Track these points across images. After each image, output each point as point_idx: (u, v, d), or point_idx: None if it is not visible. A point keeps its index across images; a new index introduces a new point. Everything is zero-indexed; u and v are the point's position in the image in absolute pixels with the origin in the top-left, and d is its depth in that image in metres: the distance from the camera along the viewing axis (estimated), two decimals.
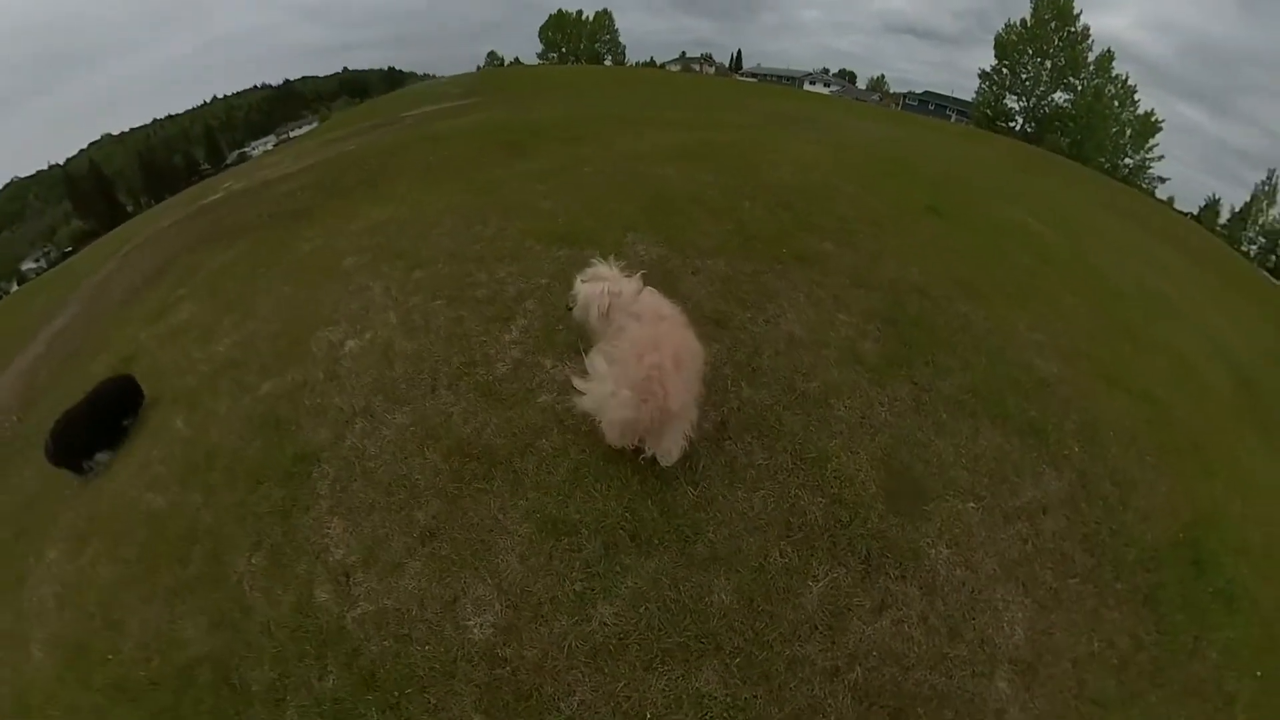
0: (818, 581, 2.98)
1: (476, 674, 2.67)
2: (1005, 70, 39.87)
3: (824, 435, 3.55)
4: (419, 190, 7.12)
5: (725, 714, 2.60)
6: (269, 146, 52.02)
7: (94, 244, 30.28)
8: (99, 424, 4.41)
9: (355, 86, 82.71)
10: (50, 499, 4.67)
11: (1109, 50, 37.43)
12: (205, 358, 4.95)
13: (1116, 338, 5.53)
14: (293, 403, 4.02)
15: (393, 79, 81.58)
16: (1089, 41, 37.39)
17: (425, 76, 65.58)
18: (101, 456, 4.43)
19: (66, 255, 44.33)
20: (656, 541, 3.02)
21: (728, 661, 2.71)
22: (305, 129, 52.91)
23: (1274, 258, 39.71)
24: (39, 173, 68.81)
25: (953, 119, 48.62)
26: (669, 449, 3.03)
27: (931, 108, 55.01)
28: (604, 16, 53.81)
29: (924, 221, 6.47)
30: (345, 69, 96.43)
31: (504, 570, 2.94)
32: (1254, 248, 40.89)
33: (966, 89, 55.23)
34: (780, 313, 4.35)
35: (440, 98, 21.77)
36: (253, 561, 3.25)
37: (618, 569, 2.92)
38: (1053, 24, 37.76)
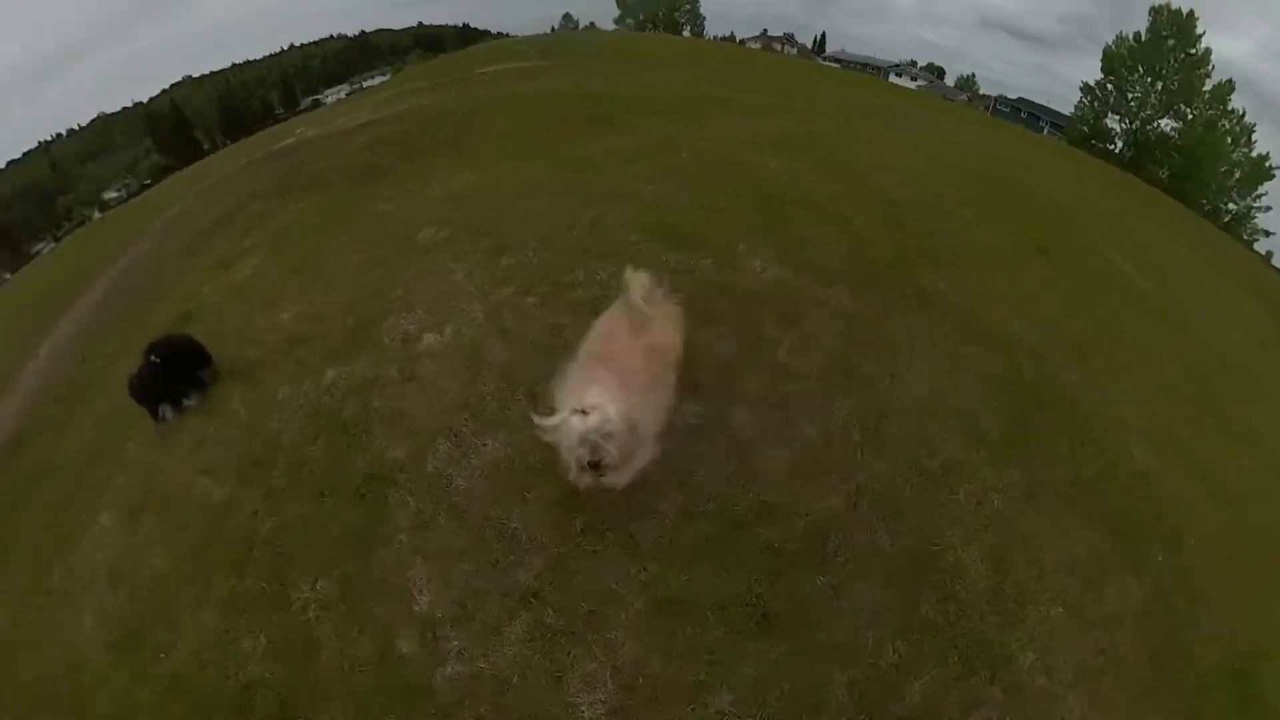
0: (920, 679, 2.78)
1: None
2: (1110, 87, 36.36)
3: (944, 522, 3.16)
4: (501, 158, 6.52)
5: None
6: (342, 96, 52.61)
7: (171, 178, 31.55)
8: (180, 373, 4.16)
9: (429, 41, 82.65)
10: (110, 454, 4.41)
11: (1229, 81, 33.56)
12: (268, 326, 4.50)
13: (1210, 423, 4.87)
14: (362, 402, 3.51)
15: (467, 36, 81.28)
16: (1208, 67, 33.61)
17: (500, 35, 64.86)
18: (188, 401, 4.17)
19: (145, 187, 46.32)
20: (781, 630, 2.72)
21: None
22: (378, 80, 53.23)
23: None
24: (124, 109, 71.82)
25: (1045, 131, 45.34)
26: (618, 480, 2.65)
27: (1024, 116, 51.17)
28: None
29: (1033, 262, 5.72)
30: (420, 23, 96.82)
31: (618, 647, 2.57)
32: None
33: (1062, 100, 51.40)
34: (905, 368, 3.78)
35: (517, 56, 20.93)
36: (319, 588, 2.89)
37: (739, 655, 2.62)
38: (1170, 42, 34.06)
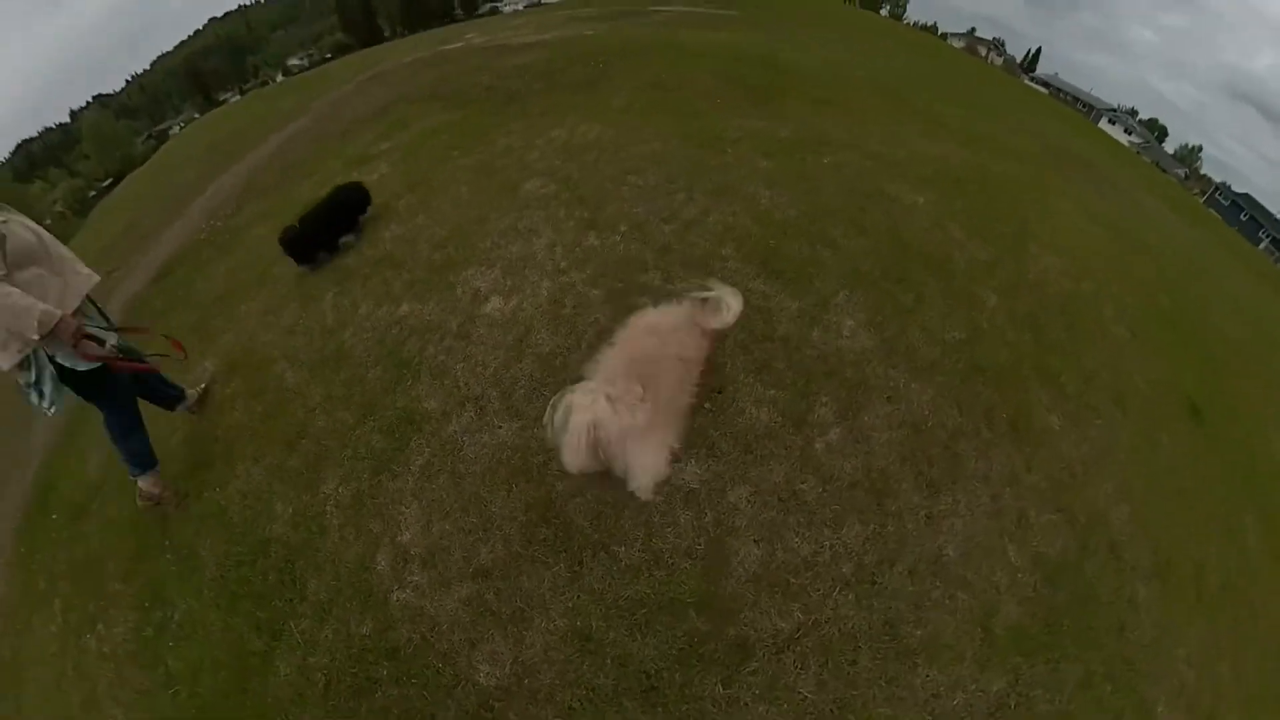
0: None
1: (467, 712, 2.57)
2: None
3: (882, 702, 2.50)
4: (637, 113, 6.20)
5: None
6: (519, 6, 53.26)
7: (349, 56, 34.05)
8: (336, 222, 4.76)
9: None
10: (228, 307, 4.96)
11: None
12: (372, 239, 4.65)
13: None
14: (420, 343, 3.58)
15: None
16: None
17: None
18: (347, 238, 4.77)
19: (326, 60, 49.99)
20: (661, 710, 2.52)
21: None
22: None
23: None
24: None
25: (1263, 244, 37.14)
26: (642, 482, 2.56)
27: (1245, 217, 41.48)
28: None
29: (1177, 424, 4.41)
30: None
31: (525, 644, 2.64)
32: None
33: None
34: (949, 514, 2.95)
35: (693, 1, 20.07)
36: (339, 490, 3.21)
37: (617, 710, 2.50)
38: None
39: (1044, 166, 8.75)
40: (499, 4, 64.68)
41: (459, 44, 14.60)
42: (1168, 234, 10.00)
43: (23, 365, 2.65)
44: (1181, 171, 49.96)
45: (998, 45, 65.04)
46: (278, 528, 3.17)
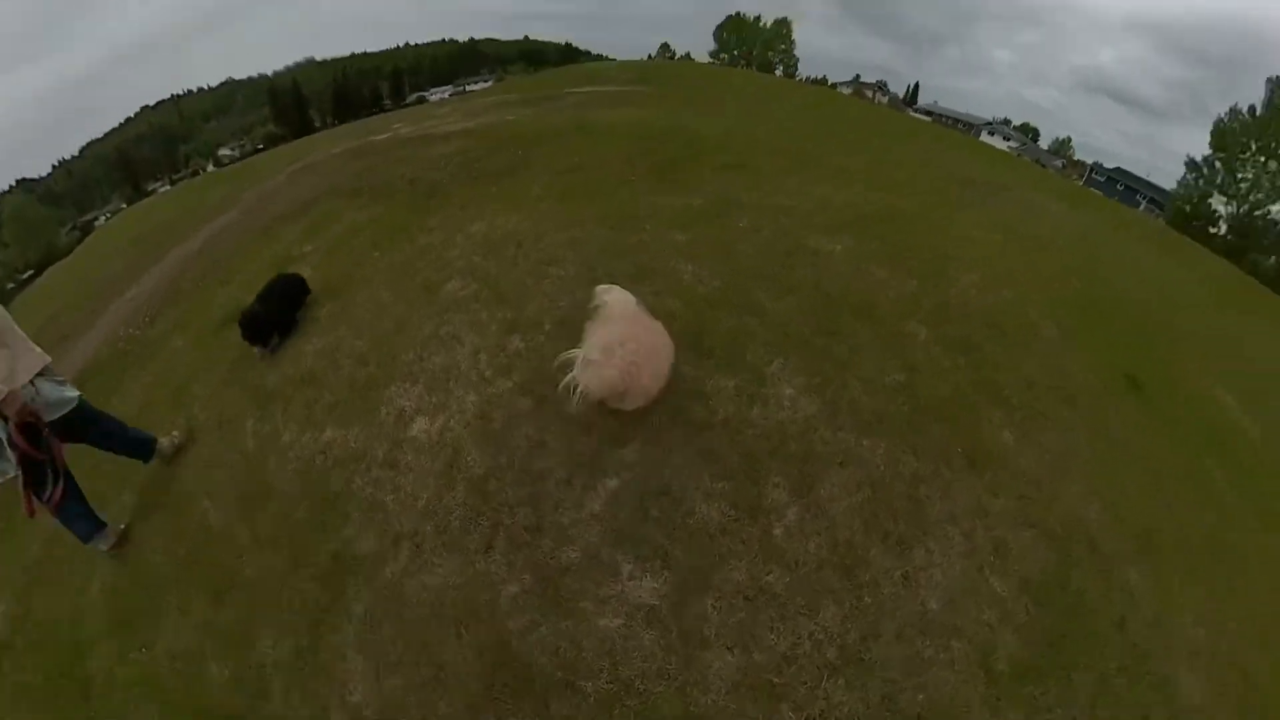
0: None
1: None
2: (1219, 165, 33.06)
3: None
4: (553, 198, 6.31)
5: None
6: (445, 95, 55.10)
7: (280, 148, 34.21)
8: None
9: (533, 55, 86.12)
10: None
11: None
12: (293, 354, 4.46)
13: None
14: (347, 475, 3.37)
15: (568, 53, 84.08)
16: None
17: (599, 57, 66.52)
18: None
19: (258, 150, 49.87)
20: None
21: None
22: (480, 86, 55.54)
23: None
24: (250, 78, 78.26)
25: (1142, 206, 41.93)
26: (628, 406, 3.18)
27: (1120, 188, 47.37)
28: (782, 24, 51.29)
29: (1122, 402, 4.60)
30: (526, 37, 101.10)
31: None
32: None
33: (1163, 172, 46.96)
34: (925, 567, 2.87)
35: (608, 80, 21.31)
36: (276, 647, 2.94)
37: None
38: None
39: (944, 189, 9.50)
40: (426, 94, 66.83)
41: (386, 135, 14.84)
42: (1060, 223, 10.71)
43: None
44: (1059, 162, 55.67)
45: (881, 86, 71.80)
46: (216, 694, 2.89)
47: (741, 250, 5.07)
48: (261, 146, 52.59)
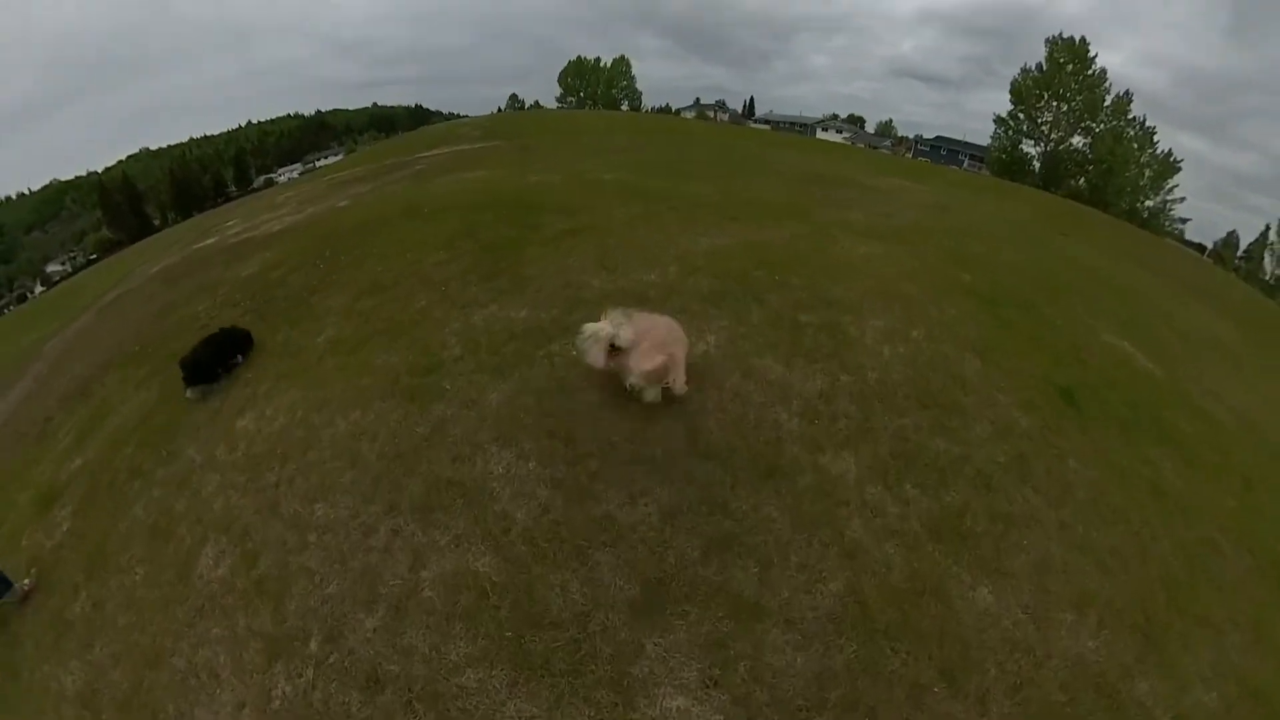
0: None
1: None
2: (1021, 115, 37.31)
3: None
4: (338, 352, 4.78)
5: None
6: (295, 175, 50.91)
7: (110, 259, 29.77)
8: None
9: (383, 121, 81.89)
10: None
11: (1128, 92, 34.59)
12: (52, 672, 2.84)
13: None
14: None
15: (419, 116, 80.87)
16: (1106, 85, 34.70)
17: (451, 115, 64.58)
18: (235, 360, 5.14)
19: (91, 262, 42.87)
20: None
21: None
22: (331, 159, 51.70)
23: None
24: (78, 177, 68.13)
25: (964, 163, 46.09)
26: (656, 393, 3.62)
27: (944, 153, 51.72)
28: (621, 63, 51.75)
29: (1064, 421, 4.29)
30: (375, 104, 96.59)
31: None
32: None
33: (974, 132, 52.30)
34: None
35: (458, 139, 20.11)
36: None
37: None
38: (1069, 67, 35.10)
39: (812, 209, 8.97)
40: (275, 175, 61.42)
41: (214, 239, 12.73)
42: (927, 213, 10.62)
43: None
44: (888, 142, 60.02)
45: (721, 105, 75.02)
46: None
47: (579, 418, 3.56)
48: (95, 257, 45.70)
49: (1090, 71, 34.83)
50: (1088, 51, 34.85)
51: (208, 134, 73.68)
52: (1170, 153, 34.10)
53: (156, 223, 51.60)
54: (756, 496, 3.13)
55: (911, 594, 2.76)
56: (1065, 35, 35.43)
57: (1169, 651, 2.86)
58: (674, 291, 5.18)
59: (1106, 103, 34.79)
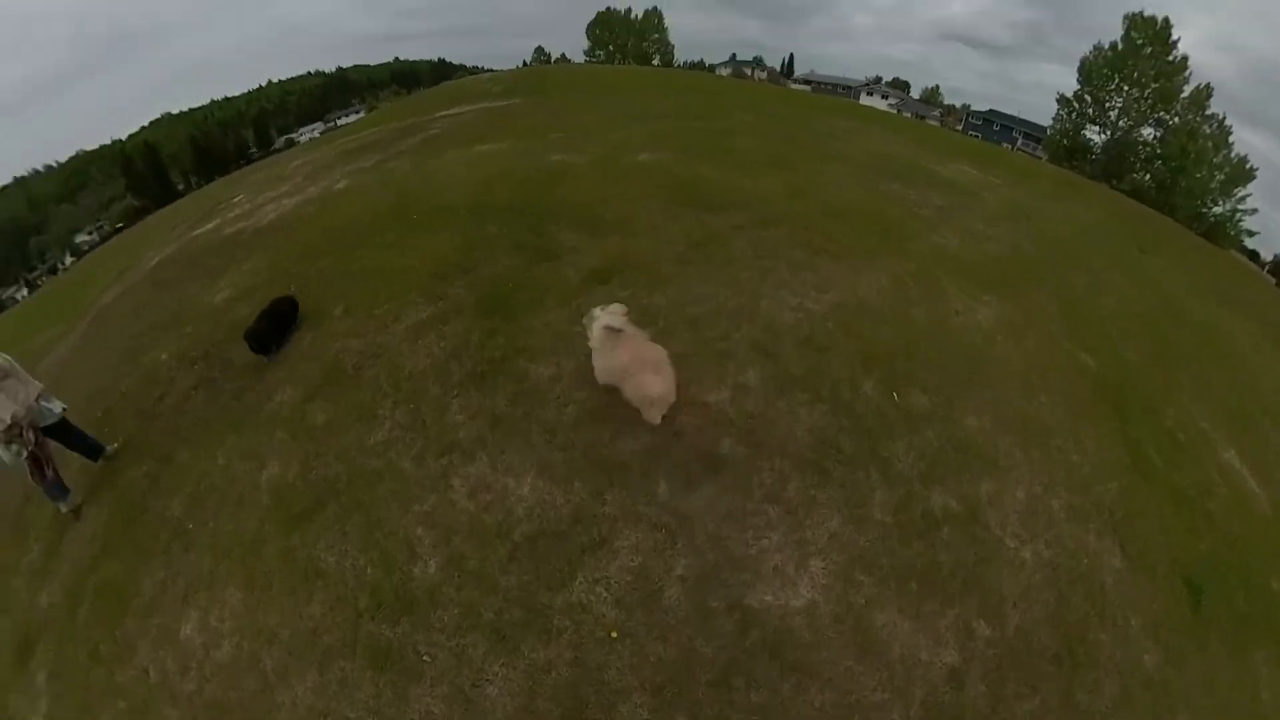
0: None
1: None
2: (1088, 98, 33.28)
3: None
4: (283, 529, 3.12)
5: None
6: (316, 134, 48.77)
7: (136, 228, 28.71)
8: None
9: (405, 76, 78.59)
10: None
11: (1207, 85, 30.19)
12: None
13: None
14: None
15: (441, 70, 77.39)
16: (1186, 74, 30.34)
17: (475, 69, 61.09)
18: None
19: (117, 230, 41.92)
20: None
21: None
22: (353, 117, 49.27)
23: None
24: (102, 147, 66.58)
25: (1019, 142, 42.12)
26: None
27: (996, 128, 47.38)
28: (653, 15, 47.16)
29: (1187, 643, 3.14)
30: (396, 59, 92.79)
31: None
32: None
33: (1026, 106, 47.16)
34: None
35: (479, 96, 17.93)
36: None
37: None
38: (1147, 50, 30.84)
39: (896, 222, 7.00)
40: (295, 135, 59.24)
41: (213, 224, 10.99)
42: (1014, 232, 8.49)
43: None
44: (936, 112, 54.73)
45: (759, 62, 69.70)
46: None
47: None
48: (121, 226, 44.74)
49: (1170, 58, 30.45)
50: (1170, 35, 30.48)
51: (229, 96, 70.97)
52: (1246, 158, 30.05)
53: (181, 187, 50.23)
54: None
55: None
56: (1147, 13, 30.99)
57: None
58: (758, 441, 3.33)
59: (1184, 94, 30.52)
